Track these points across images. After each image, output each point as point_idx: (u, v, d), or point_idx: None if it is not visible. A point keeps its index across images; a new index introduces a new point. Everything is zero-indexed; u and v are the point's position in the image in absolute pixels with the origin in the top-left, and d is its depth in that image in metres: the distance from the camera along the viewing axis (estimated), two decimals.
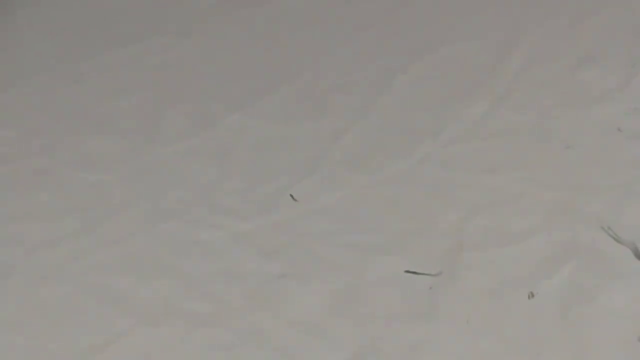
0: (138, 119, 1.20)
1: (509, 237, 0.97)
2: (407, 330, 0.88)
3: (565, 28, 1.25)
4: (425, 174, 1.07)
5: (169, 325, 0.90)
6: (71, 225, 1.03)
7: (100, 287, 0.95)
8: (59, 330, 0.91)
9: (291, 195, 1.04)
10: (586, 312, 0.87)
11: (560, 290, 0.90)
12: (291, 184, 1.06)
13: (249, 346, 0.87)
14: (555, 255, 0.94)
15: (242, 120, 1.17)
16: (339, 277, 0.94)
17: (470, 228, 0.98)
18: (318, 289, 0.93)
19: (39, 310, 0.93)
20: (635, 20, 1.23)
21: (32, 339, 0.90)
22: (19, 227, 1.04)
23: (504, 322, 0.87)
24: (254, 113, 1.18)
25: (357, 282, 0.93)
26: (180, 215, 1.03)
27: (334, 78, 1.21)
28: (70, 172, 1.11)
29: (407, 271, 0.93)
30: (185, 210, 1.04)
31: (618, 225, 0.95)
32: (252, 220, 1.02)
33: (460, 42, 1.24)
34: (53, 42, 1.35)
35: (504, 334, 0.86)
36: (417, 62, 1.23)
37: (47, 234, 1.02)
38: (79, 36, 1.35)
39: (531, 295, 0.90)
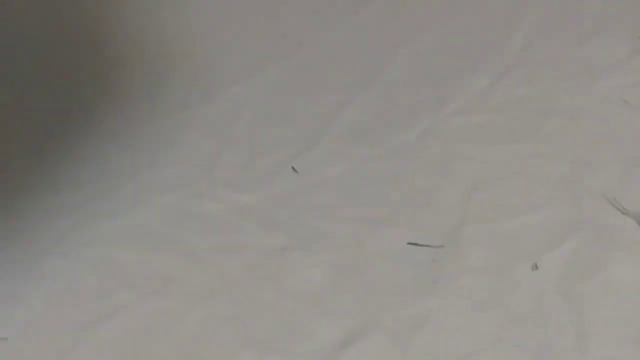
0: (136, 92, 1.19)
1: (512, 210, 0.96)
2: (410, 303, 0.87)
3: (570, 1, 1.23)
4: (427, 147, 1.06)
5: (170, 297, 0.90)
6: (70, 197, 1.02)
7: (100, 260, 0.94)
8: (57, 302, 0.90)
9: (292, 168, 1.03)
10: (591, 285, 0.87)
11: (564, 263, 0.89)
12: (292, 157, 1.05)
13: (250, 319, 0.87)
14: (560, 229, 0.93)
15: (242, 93, 1.16)
16: (341, 250, 0.93)
17: (473, 202, 0.98)
18: (320, 261, 0.92)
19: (37, 282, 0.92)
20: None
21: (31, 312, 0.89)
22: (17, 199, 1.03)
23: (507, 295, 0.87)
24: (254, 86, 1.17)
25: (359, 255, 0.93)
26: (180, 187, 1.03)
27: (335, 51, 1.20)
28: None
29: (410, 243, 0.92)
30: (184, 183, 1.03)
31: (624, 197, 0.95)
32: (253, 193, 1.01)
33: (464, 15, 1.23)
34: (49, 13, 1.34)
35: (507, 307, 0.86)
36: (420, 35, 1.21)
37: (43, 207, 1.01)
38: (77, 8, 1.34)
39: (535, 266, 0.89)
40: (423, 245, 0.92)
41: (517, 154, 1.04)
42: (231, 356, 0.84)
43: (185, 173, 1.05)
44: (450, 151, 1.05)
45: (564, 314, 0.84)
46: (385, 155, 1.06)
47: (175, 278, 0.91)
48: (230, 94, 1.16)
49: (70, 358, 0.85)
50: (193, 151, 1.08)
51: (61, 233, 0.97)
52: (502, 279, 0.89)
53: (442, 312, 0.86)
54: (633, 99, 1.07)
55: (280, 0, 1.29)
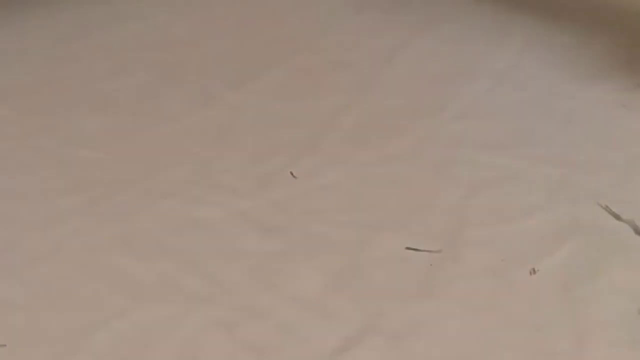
0: (137, 98, 1.19)
1: (510, 214, 0.96)
2: (408, 307, 0.87)
3: (567, 4, 1.24)
4: (426, 152, 1.06)
5: (168, 303, 0.90)
6: (69, 203, 1.02)
7: (99, 266, 0.94)
8: (56, 308, 0.90)
9: (291, 173, 1.04)
10: (587, 288, 0.87)
11: (561, 267, 0.90)
12: (291, 162, 1.06)
13: (248, 324, 0.87)
14: (557, 232, 0.93)
15: (242, 98, 1.16)
16: (340, 254, 0.94)
17: (470, 206, 0.98)
18: (318, 266, 0.92)
19: (36, 288, 0.92)
20: None
21: (29, 318, 0.89)
22: (17, 205, 1.03)
23: (505, 299, 0.87)
24: (254, 90, 1.17)
25: (358, 259, 0.93)
26: (179, 193, 1.03)
27: (335, 55, 1.20)
28: (69, 151, 1.11)
29: (408, 248, 0.93)
30: (184, 188, 1.04)
31: (619, 201, 0.95)
32: (252, 198, 1.01)
33: (462, 18, 1.24)
34: (51, 20, 1.34)
35: (505, 311, 0.86)
36: (419, 38, 1.22)
37: (45, 212, 1.01)
38: (79, 13, 1.35)
39: (533, 271, 0.89)
40: (421, 250, 0.92)
41: (515, 157, 1.04)
42: None
43: (184, 178, 1.05)
44: (449, 155, 1.05)
45: (561, 317, 0.84)
46: (384, 159, 1.06)
47: (174, 283, 0.92)
48: (229, 99, 1.17)
49: None
50: (192, 156, 1.08)
51: (60, 239, 0.98)
52: (499, 283, 0.89)
53: (440, 316, 0.86)
54: (630, 103, 1.07)
55: (280, 7, 1.30)
